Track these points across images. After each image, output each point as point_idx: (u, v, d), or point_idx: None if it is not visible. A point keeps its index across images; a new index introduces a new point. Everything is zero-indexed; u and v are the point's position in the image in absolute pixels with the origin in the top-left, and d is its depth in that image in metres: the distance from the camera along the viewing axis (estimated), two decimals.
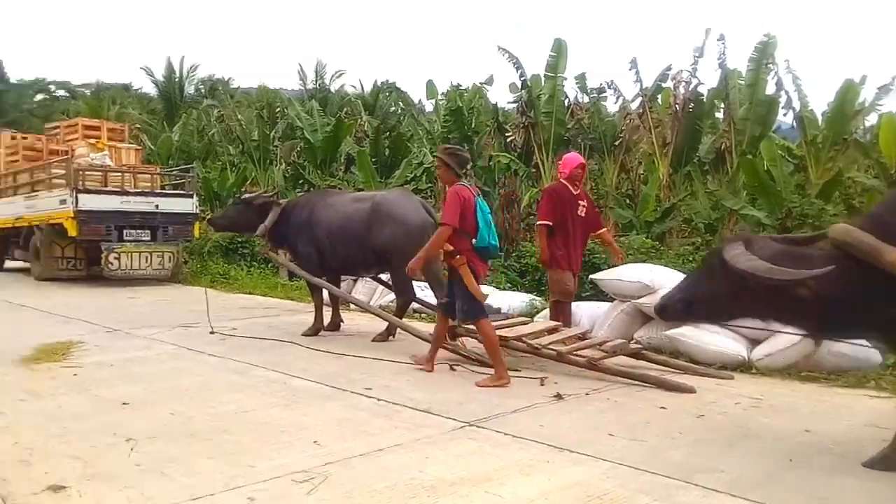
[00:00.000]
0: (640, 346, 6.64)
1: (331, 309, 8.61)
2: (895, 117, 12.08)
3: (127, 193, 13.83)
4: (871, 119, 13.90)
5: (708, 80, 14.67)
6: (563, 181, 7.22)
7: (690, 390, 5.45)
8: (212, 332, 8.05)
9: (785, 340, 5.90)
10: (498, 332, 6.34)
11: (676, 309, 4.23)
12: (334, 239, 7.94)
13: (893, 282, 3.45)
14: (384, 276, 8.68)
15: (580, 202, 7.17)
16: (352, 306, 9.62)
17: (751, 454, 4.11)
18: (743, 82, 13.36)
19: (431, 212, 7.99)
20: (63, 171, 13.91)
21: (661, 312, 4.36)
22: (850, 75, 12.51)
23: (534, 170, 14.74)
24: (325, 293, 8.44)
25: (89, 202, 13.18)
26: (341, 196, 8.76)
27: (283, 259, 8.54)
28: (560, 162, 7.65)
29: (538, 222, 7.26)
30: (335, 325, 8.50)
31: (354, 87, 30.67)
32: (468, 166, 6.70)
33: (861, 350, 5.74)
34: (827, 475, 3.77)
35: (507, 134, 15.83)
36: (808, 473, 3.80)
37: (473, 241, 5.90)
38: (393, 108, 26.92)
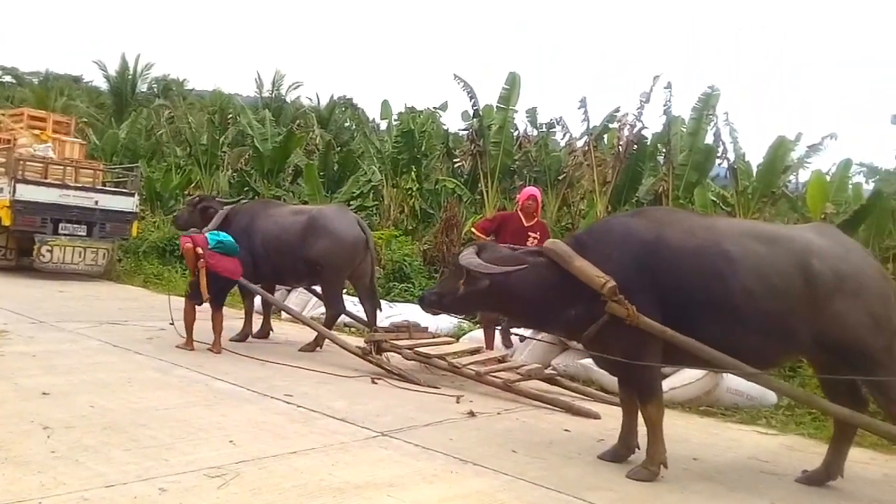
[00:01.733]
0: (555, 372, 6.95)
1: (262, 316, 8.72)
2: (823, 176, 12.79)
3: (67, 187, 13.63)
4: (805, 175, 14.61)
5: (652, 124, 15.12)
6: (517, 211, 7.62)
7: (595, 416, 5.79)
8: (171, 323, 7.99)
9: (689, 376, 6.27)
10: (422, 350, 6.73)
11: (431, 301, 5.05)
12: (269, 248, 8.12)
13: (577, 287, 4.36)
14: (318, 289, 8.83)
15: (531, 234, 7.50)
16: (283, 316, 9.72)
17: None
18: (685, 130, 13.93)
19: (366, 228, 8.24)
20: (3, 160, 13.68)
21: (420, 303, 5.21)
22: (786, 132, 13.15)
23: (478, 197, 15.06)
24: (257, 300, 8.54)
25: (27, 193, 12.97)
26: (282, 208, 8.96)
27: None
28: (519, 195, 8.05)
29: (473, 228, 7.71)
30: (265, 333, 8.61)
31: (310, 100, 30.77)
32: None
33: (758, 389, 6.14)
34: (703, 499, 4.09)
35: (455, 160, 16.15)
36: (686, 497, 4.12)
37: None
38: (347, 124, 27.08)
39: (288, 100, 29.98)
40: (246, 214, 8.54)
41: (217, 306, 7.54)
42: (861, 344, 4.20)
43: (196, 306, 7.46)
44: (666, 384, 6.46)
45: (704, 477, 4.54)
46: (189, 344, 7.42)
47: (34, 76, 41.65)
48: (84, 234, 13.59)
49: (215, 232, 7.60)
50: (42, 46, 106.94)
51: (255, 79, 30.58)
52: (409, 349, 6.94)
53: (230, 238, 7.53)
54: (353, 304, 8.71)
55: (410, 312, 9.20)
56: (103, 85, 34.10)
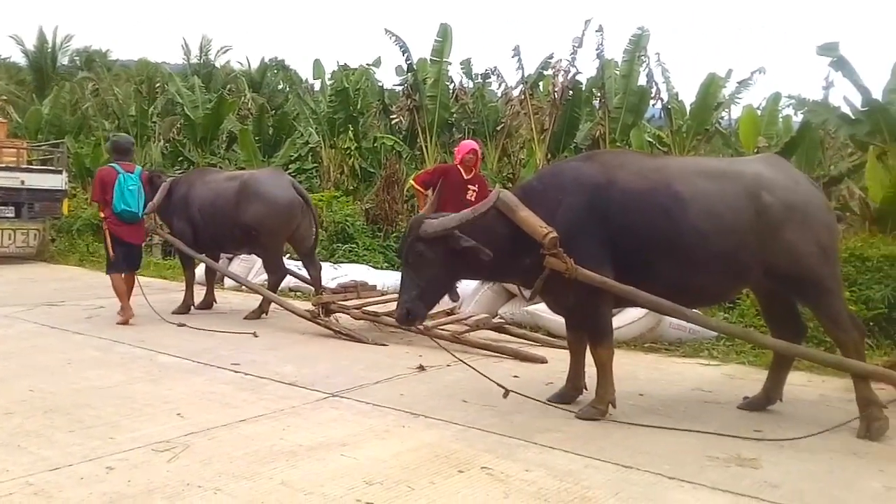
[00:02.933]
0: (503, 321, 7.02)
1: (204, 287, 8.59)
2: (754, 110, 13.06)
3: None
4: (737, 111, 14.88)
5: (586, 69, 15.14)
6: (457, 165, 7.56)
7: (542, 360, 5.89)
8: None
9: (632, 315, 6.39)
10: (370, 308, 6.72)
11: (414, 308, 4.49)
12: (205, 215, 8.00)
13: (528, 238, 4.30)
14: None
15: (470, 186, 7.47)
16: (226, 285, 9.60)
17: None
18: (618, 73, 14.01)
19: (302, 191, 8.12)
20: None
21: (407, 319, 4.55)
22: (716, 69, 13.32)
23: (418, 153, 14.97)
24: (199, 270, 8.40)
25: None
26: (218, 174, 8.77)
27: (168, 235, 8.45)
28: (457, 148, 7.99)
29: (412, 181, 7.68)
30: (208, 303, 8.50)
31: (241, 64, 30.06)
32: (128, 150, 8.07)
33: None
34: (650, 433, 4.19)
35: (392, 116, 15.96)
36: (634, 432, 4.22)
37: (112, 209, 7.46)
38: (280, 87, 26.52)
39: (217, 65, 29.24)
40: (184, 184, 8.42)
41: (127, 269, 7.73)
42: (810, 273, 4.31)
43: (122, 275, 7.63)
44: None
45: (651, 411, 4.65)
46: (126, 313, 7.47)
47: None
48: (12, 215, 13.19)
49: (121, 199, 7.52)
50: None
51: (181, 45, 29.71)
52: (357, 308, 6.92)
53: (132, 207, 7.54)
54: (297, 268, 8.63)
55: (356, 272, 9.18)
56: (22, 60, 32.78)
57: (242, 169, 13.95)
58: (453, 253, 4.39)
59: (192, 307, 8.24)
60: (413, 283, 4.52)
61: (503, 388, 4.59)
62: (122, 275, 7.59)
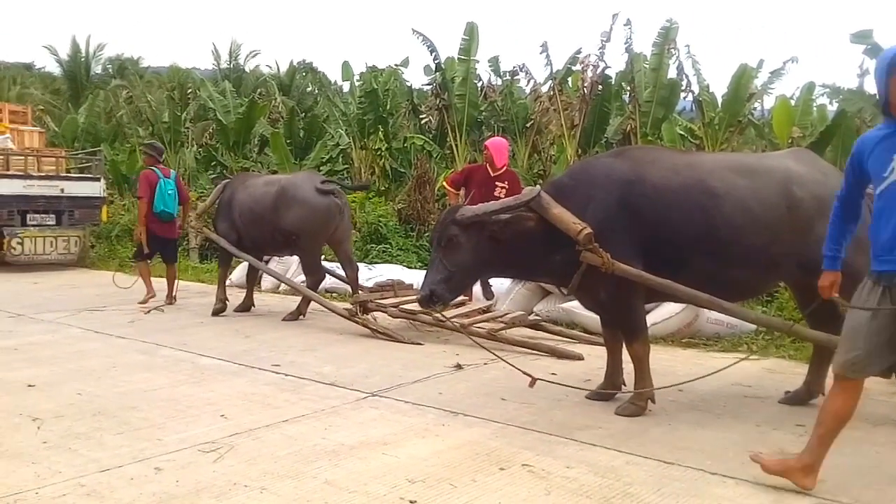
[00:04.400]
0: (539, 318, 7.03)
1: (243, 290, 8.75)
2: (787, 100, 12.88)
3: (30, 177, 13.41)
4: (770, 101, 14.67)
5: (615, 63, 15.07)
6: (485, 163, 7.64)
7: (579, 357, 5.89)
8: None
9: (668, 311, 6.36)
10: (406, 308, 6.86)
11: (439, 291, 4.53)
12: (245, 220, 8.14)
13: (558, 234, 4.33)
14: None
15: (498, 183, 7.50)
16: (262, 287, 9.77)
17: None
18: (647, 66, 13.89)
19: (339, 193, 8.20)
20: None
21: (430, 301, 4.59)
22: (748, 60, 13.16)
23: (448, 152, 14.99)
24: (238, 273, 8.56)
25: None
26: (257, 179, 8.96)
27: (213, 234, 8.81)
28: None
29: (444, 182, 7.77)
30: (246, 306, 8.63)
31: (270, 68, 30.32)
32: (162, 154, 9.57)
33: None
34: (690, 428, 4.19)
35: (421, 116, 16.01)
36: (674, 427, 4.21)
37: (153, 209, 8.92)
38: (309, 89, 26.69)
39: (247, 69, 29.49)
40: (229, 188, 8.72)
41: (166, 262, 9.34)
42: (844, 265, 4.28)
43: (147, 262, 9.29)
44: (647, 320, 6.58)
45: (690, 407, 4.64)
46: (149, 293, 9.07)
47: None
48: (53, 223, 13.44)
49: (161, 201, 8.95)
50: None
51: (211, 51, 30.04)
52: (395, 307, 6.99)
53: (169, 208, 9.00)
54: (336, 268, 8.76)
55: (390, 272, 9.24)
56: (56, 70, 33.34)
57: (275, 172, 14.10)
58: (486, 241, 4.47)
59: (226, 302, 8.41)
60: (442, 267, 4.54)
61: (530, 376, 4.58)
62: (148, 262, 9.23)
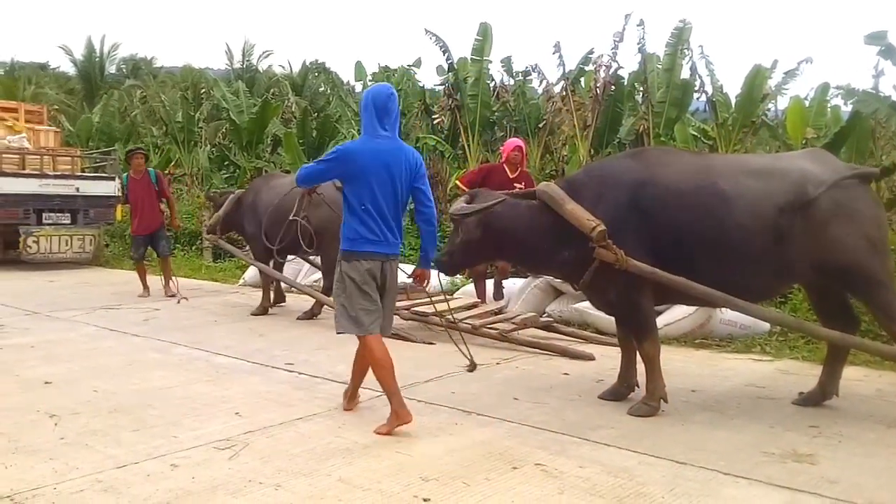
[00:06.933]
0: (550, 319, 7.04)
1: (272, 290, 8.88)
2: (801, 101, 12.81)
3: (46, 176, 13.52)
4: (784, 102, 14.59)
5: (628, 64, 15.04)
6: (502, 164, 7.63)
7: (590, 357, 5.91)
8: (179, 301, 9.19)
9: (681, 311, 6.36)
10: (420, 309, 6.90)
11: (443, 262, 5.06)
12: (270, 219, 8.15)
13: (569, 229, 4.41)
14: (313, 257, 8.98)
15: (516, 185, 7.50)
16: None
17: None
18: (660, 66, 13.83)
19: None
20: None
21: (437, 268, 5.12)
22: (762, 60, 13.09)
23: (460, 152, 15.00)
24: (251, 273, 8.61)
25: (6, 185, 12.86)
26: (282, 179, 9.00)
27: (223, 243, 9.25)
28: (502, 147, 8.06)
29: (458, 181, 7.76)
30: (264, 308, 8.66)
31: (283, 68, 30.36)
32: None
33: (750, 318, 6.21)
34: (703, 429, 4.19)
35: (433, 116, 16.01)
36: (687, 428, 4.22)
37: None
38: (322, 89, 26.74)
39: (260, 69, 29.54)
40: (251, 190, 8.86)
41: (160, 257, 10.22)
42: (859, 266, 4.28)
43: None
44: (660, 321, 6.58)
45: (704, 407, 4.64)
46: (145, 291, 9.78)
47: (0, 66, 40.84)
48: (68, 221, 13.54)
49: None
50: (4, 36, 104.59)
51: (224, 51, 30.10)
52: (406, 309, 7.00)
53: None
54: None
55: (401, 274, 9.24)
56: (71, 70, 33.61)
57: (288, 172, 14.15)
58: (472, 233, 4.76)
59: (269, 309, 8.52)
60: (451, 242, 5.06)
61: (470, 360, 5.08)
62: (142, 261, 10.07)
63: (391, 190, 4.27)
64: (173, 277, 9.78)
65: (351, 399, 4.69)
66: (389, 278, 4.43)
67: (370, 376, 4.45)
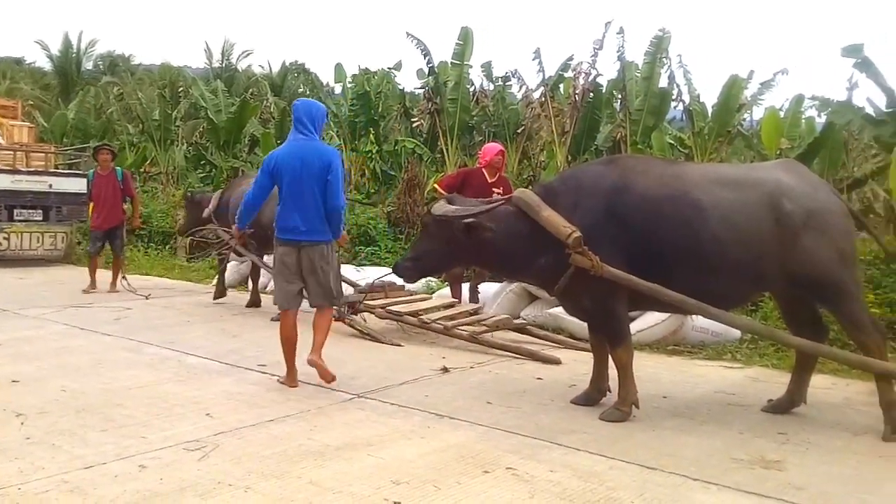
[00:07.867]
0: (524, 322, 7.06)
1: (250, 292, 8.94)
2: (776, 112, 12.97)
3: (18, 172, 13.34)
4: (760, 112, 14.76)
5: (607, 71, 15.14)
6: (481, 168, 7.62)
7: (556, 361, 5.98)
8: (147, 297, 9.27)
9: (654, 318, 6.40)
10: (395, 308, 6.93)
11: (407, 267, 5.03)
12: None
13: (545, 236, 4.42)
14: None
15: (495, 189, 7.52)
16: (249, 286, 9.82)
17: None
18: (639, 75, 13.93)
19: None
20: None
21: (395, 272, 5.16)
22: (738, 70, 13.23)
23: (438, 155, 15.01)
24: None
25: None
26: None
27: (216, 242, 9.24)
28: (481, 151, 8.05)
29: (435, 185, 7.82)
30: (254, 302, 8.80)
31: (262, 67, 30.29)
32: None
33: (722, 326, 6.28)
34: (674, 435, 4.22)
35: (413, 119, 16.03)
36: (658, 434, 4.24)
37: None
38: (301, 90, 26.66)
39: (239, 69, 29.45)
40: (228, 189, 8.98)
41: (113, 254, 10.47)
42: (830, 277, 4.35)
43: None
44: (633, 327, 6.58)
45: (674, 413, 4.67)
46: (92, 286, 9.98)
47: None
48: (40, 218, 13.38)
49: None
50: None
51: (203, 49, 29.88)
52: (381, 308, 6.99)
53: None
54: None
55: (378, 275, 9.24)
56: (47, 65, 33.30)
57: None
58: (455, 238, 4.67)
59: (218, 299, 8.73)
60: (417, 247, 5.14)
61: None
62: (96, 256, 10.31)
63: (305, 182, 4.92)
64: (125, 276, 9.77)
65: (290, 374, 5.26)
66: (306, 262, 5.06)
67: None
